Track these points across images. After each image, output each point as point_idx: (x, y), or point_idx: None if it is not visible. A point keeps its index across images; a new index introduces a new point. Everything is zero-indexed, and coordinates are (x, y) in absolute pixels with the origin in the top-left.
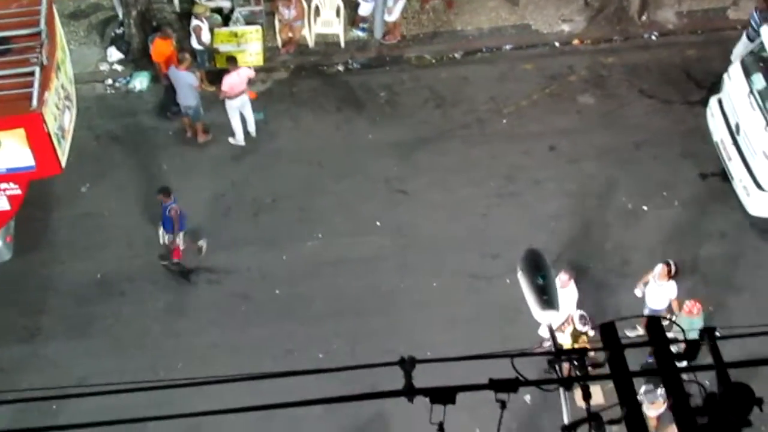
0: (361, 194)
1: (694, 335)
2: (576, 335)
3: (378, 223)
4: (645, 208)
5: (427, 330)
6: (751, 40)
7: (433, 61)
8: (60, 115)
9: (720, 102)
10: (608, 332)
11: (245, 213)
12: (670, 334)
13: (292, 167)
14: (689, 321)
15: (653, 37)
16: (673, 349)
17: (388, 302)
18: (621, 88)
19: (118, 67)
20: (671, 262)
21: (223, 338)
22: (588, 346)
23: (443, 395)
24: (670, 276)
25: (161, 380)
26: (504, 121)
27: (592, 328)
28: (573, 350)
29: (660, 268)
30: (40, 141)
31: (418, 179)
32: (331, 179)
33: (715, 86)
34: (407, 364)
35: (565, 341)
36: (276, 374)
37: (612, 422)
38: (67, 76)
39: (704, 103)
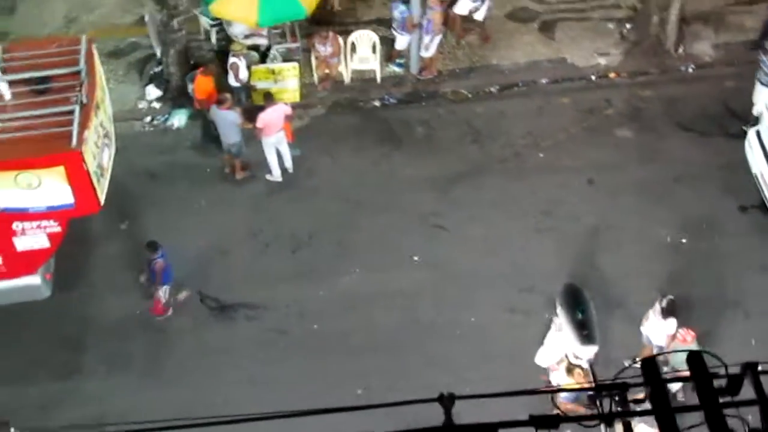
0: (399, 229)
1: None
2: (570, 369)
3: (415, 258)
4: (684, 241)
5: (466, 365)
6: (764, 85)
7: (470, 95)
8: (99, 154)
9: (758, 134)
10: (649, 367)
11: (283, 249)
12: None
13: (330, 203)
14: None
15: (690, 70)
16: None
17: (425, 337)
18: (658, 122)
19: (157, 105)
20: (671, 298)
21: (262, 374)
22: (584, 379)
23: None
24: (668, 313)
25: (201, 417)
26: (541, 155)
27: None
28: (614, 385)
29: (663, 301)
30: (79, 179)
31: (456, 214)
32: (368, 215)
33: (754, 118)
34: (446, 401)
35: (561, 377)
36: (316, 411)
37: None
38: (107, 115)
39: (743, 135)
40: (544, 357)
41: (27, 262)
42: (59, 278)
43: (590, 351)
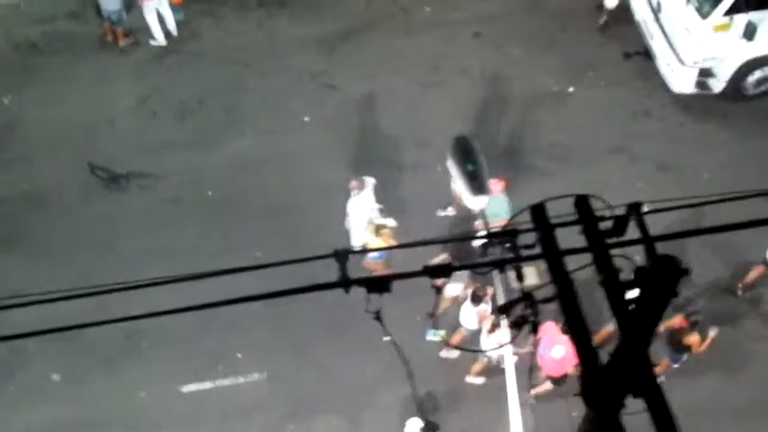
0: (288, 91)
1: (502, 215)
2: (376, 229)
3: (306, 119)
4: (571, 89)
5: None
6: None
7: None
8: None
9: None
10: (539, 213)
11: (172, 116)
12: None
13: (216, 67)
14: (496, 201)
15: None
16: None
17: (321, 197)
18: None
19: None
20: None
21: (157, 243)
22: (391, 239)
23: (378, 284)
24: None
25: (95, 286)
26: (428, 9)
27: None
28: (504, 232)
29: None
30: None
31: (344, 72)
32: (256, 77)
33: None
34: (341, 256)
35: (369, 238)
36: (213, 273)
37: (545, 301)
38: None
39: None
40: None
41: None
42: None
43: (481, 201)
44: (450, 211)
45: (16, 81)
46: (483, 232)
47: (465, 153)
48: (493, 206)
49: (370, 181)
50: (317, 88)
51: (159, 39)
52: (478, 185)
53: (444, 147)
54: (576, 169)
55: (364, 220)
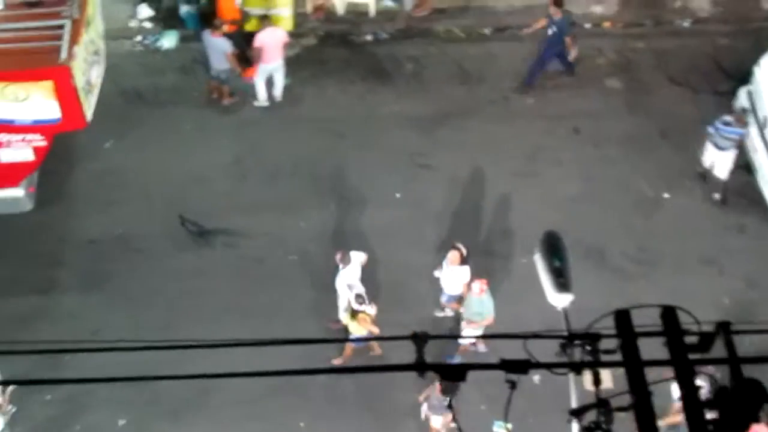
0: (382, 166)
1: (487, 314)
2: (353, 314)
3: (397, 196)
4: (666, 195)
5: (438, 302)
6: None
7: (462, 35)
8: (88, 70)
9: (749, 93)
10: (622, 319)
11: (264, 177)
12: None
13: (314, 135)
14: (479, 302)
15: (685, 24)
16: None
17: (403, 275)
18: (649, 74)
19: (148, 25)
20: (461, 247)
21: (236, 301)
22: (372, 325)
23: (454, 372)
24: (462, 261)
25: (173, 340)
26: (530, 100)
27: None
28: (585, 335)
29: (451, 253)
30: (67, 94)
31: (440, 154)
32: (352, 149)
33: (745, 77)
34: (420, 340)
35: (347, 322)
36: (288, 341)
37: (620, 409)
38: (97, 31)
39: (733, 93)
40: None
41: (10, 175)
42: (41, 193)
43: (565, 299)
44: (448, 312)
45: (119, 128)
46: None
47: (553, 249)
48: (476, 306)
49: (358, 257)
50: (412, 166)
51: (262, 101)
52: (563, 282)
53: (531, 239)
54: (663, 277)
55: (345, 297)
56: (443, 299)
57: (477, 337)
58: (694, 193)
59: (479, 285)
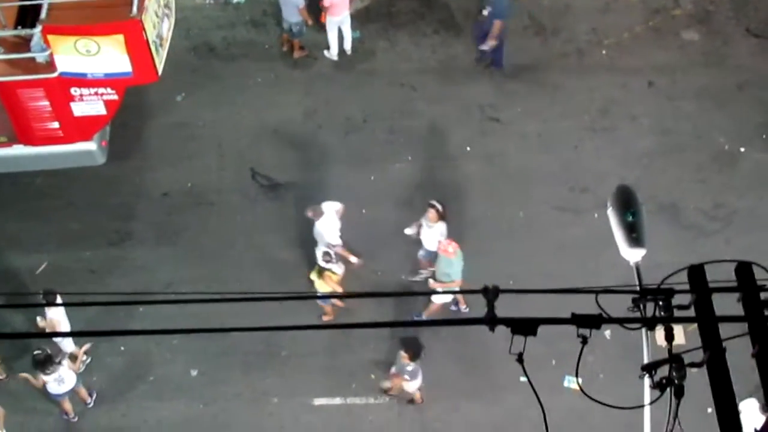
0: (453, 119)
1: (455, 276)
2: (319, 271)
3: (468, 149)
4: (742, 149)
5: (511, 260)
6: None
7: None
8: (159, 24)
9: None
10: (697, 275)
11: (336, 131)
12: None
13: (386, 88)
14: (447, 261)
15: None
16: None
17: (472, 230)
18: (727, 26)
19: None
20: (436, 204)
21: (307, 254)
22: (338, 284)
23: (525, 327)
24: (439, 218)
25: (244, 293)
26: (604, 52)
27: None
28: (659, 290)
29: (429, 211)
30: (138, 48)
31: (512, 108)
32: (423, 102)
33: None
34: (490, 293)
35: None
36: (358, 294)
37: (693, 365)
38: None
39: None
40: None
41: (84, 128)
42: (114, 147)
43: (638, 254)
44: (423, 274)
45: (190, 81)
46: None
47: (626, 203)
48: (445, 266)
49: (332, 207)
50: (483, 120)
51: (333, 53)
52: (636, 237)
53: (604, 194)
54: (738, 233)
55: (320, 250)
56: (420, 254)
57: (545, 291)
58: None
59: (449, 245)
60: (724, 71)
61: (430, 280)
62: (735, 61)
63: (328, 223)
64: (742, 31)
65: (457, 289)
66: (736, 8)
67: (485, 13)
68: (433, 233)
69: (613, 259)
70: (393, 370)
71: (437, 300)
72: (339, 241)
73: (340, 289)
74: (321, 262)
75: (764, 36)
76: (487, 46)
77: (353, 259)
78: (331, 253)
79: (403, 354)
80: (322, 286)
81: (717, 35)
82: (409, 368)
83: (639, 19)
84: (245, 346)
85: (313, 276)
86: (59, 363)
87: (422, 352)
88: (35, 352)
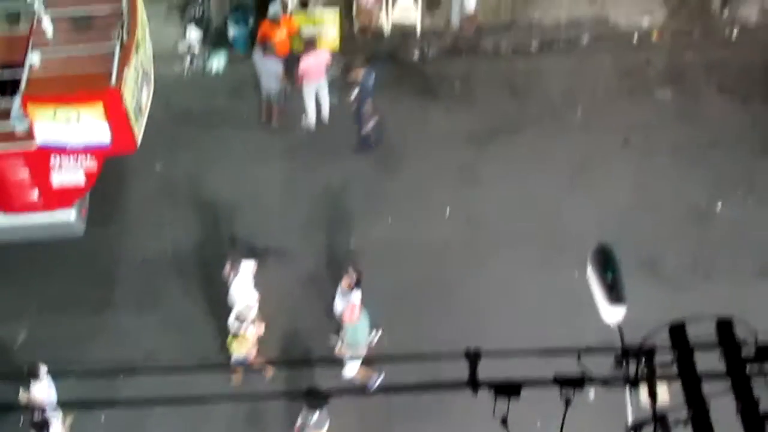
0: (433, 181)
1: (360, 340)
2: (234, 334)
3: (447, 211)
4: (719, 205)
5: (492, 321)
6: None
7: (510, 51)
8: (138, 93)
9: None
10: (677, 332)
11: (315, 196)
12: None
13: (364, 153)
14: (352, 329)
15: (734, 34)
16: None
17: (453, 290)
18: (699, 84)
19: (196, 47)
20: (351, 271)
21: (289, 321)
22: (253, 346)
23: (509, 389)
24: (352, 285)
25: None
26: (579, 113)
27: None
28: (641, 349)
29: (343, 278)
30: (117, 117)
31: (490, 169)
32: (402, 165)
33: None
34: (473, 356)
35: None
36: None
37: (678, 423)
38: (147, 55)
39: None
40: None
41: (62, 198)
42: (93, 215)
43: (619, 312)
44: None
45: (169, 149)
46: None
47: (605, 262)
48: (350, 335)
49: (248, 266)
50: (462, 181)
51: (311, 119)
52: (616, 295)
53: (583, 252)
54: (717, 288)
55: (235, 309)
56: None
57: (526, 352)
58: (746, 203)
59: (350, 312)
60: (698, 128)
61: (340, 347)
62: (708, 118)
63: (242, 283)
64: (713, 89)
65: (363, 356)
66: (708, 67)
67: (353, 97)
68: (344, 302)
69: (595, 318)
70: (298, 423)
71: (351, 371)
72: (253, 300)
73: (254, 351)
74: (233, 325)
75: (735, 94)
76: (368, 128)
77: (261, 329)
78: (244, 313)
79: (344, 280)
80: (237, 348)
81: (690, 93)
82: (313, 419)
83: (612, 80)
84: (227, 415)
85: (229, 340)
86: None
87: (325, 401)
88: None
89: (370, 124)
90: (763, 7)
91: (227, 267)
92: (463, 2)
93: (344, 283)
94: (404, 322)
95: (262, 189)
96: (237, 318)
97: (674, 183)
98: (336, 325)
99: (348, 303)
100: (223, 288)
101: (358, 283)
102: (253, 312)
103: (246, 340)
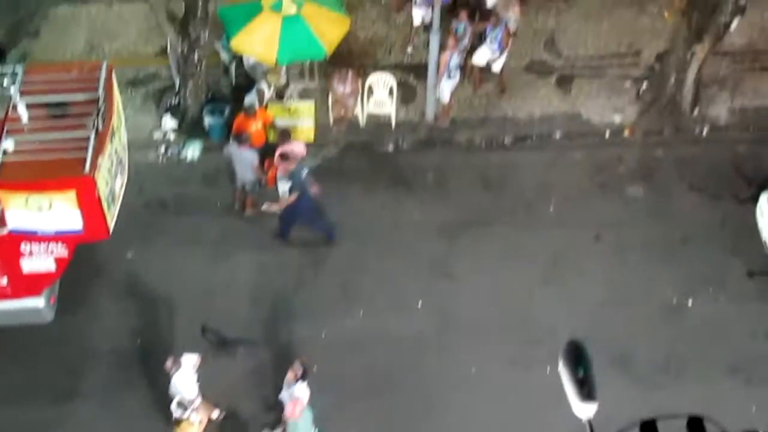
0: (405, 274)
1: None
2: (177, 422)
3: (419, 304)
4: (690, 302)
5: (464, 415)
6: None
7: (483, 145)
8: (111, 180)
9: None
10: (649, 430)
11: (288, 287)
12: None
13: (336, 243)
14: (294, 424)
15: (704, 132)
16: None
17: (425, 384)
18: (670, 181)
19: (172, 136)
20: (297, 366)
21: (258, 414)
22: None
23: None
24: (296, 378)
25: None
26: (551, 208)
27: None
28: None
29: (289, 371)
30: (90, 205)
31: (463, 262)
32: (375, 257)
33: (766, 184)
34: None
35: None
36: None
37: None
38: (121, 142)
39: (754, 200)
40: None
41: (32, 285)
42: (62, 302)
43: (590, 409)
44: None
45: (141, 237)
46: None
47: (576, 358)
48: (293, 428)
49: (190, 360)
50: (434, 274)
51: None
52: (587, 392)
53: (555, 347)
54: (689, 385)
55: (177, 398)
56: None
57: None
58: (717, 300)
59: (292, 408)
60: (669, 225)
61: None
62: (678, 215)
63: (184, 377)
64: (684, 186)
65: None
66: (678, 165)
67: (285, 190)
68: (288, 395)
69: (567, 414)
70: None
71: None
72: (195, 394)
73: None
74: (176, 413)
75: (706, 191)
76: (276, 208)
77: (214, 414)
78: (185, 403)
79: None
80: None
81: (661, 191)
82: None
83: (585, 175)
84: None
85: (175, 427)
86: None
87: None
88: None
89: (274, 207)
90: (732, 106)
91: (169, 361)
92: (439, 93)
93: (290, 375)
94: (374, 416)
95: (234, 278)
96: (179, 405)
97: (646, 279)
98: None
99: (291, 397)
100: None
101: (303, 377)
102: (197, 401)
103: (192, 425)
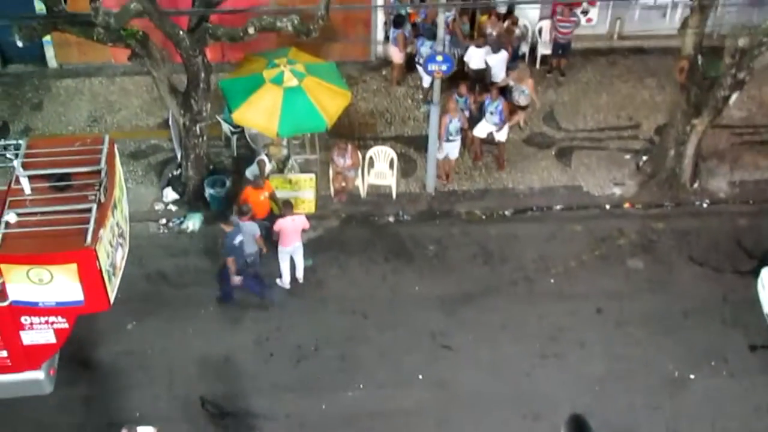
0: (405, 347)
1: None
2: None
3: (420, 377)
4: (692, 376)
5: None
6: None
7: (483, 217)
8: (113, 252)
9: None
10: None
11: (287, 359)
12: None
13: (337, 316)
14: None
15: (704, 205)
16: None
17: None
18: (670, 254)
19: (173, 208)
20: None
21: None
22: None
23: None
24: None
25: None
26: (552, 281)
27: None
28: None
29: None
30: (91, 277)
31: (463, 334)
32: (375, 330)
33: (767, 257)
34: None
35: None
36: None
37: None
38: (123, 214)
39: (755, 273)
40: None
41: (32, 357)
42: (61, 375)
43: None
44: None
45: (141, 309)
46: None
47: (579, 431)
48: None
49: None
50: (434, 347)
51: (285, 281)
52: None
53: (557, 421)
54: None
55: None
56: None
57: None
58: (719, 374)
59: None
60: (670, 298)
61: None
62: (679, 288)
63: None
64: (684, 259)
65: None
66: (678, 237)
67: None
68: None
69: None
70: None
71: None
72: None
73: None
74: None
75: (706, 264)
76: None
77: None
78: None
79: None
80: None
81: (661, 263)
82: None
83: (585, 248)
84: None
85: None
86: None
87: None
88: None
89: (234, 283)
90: (732, 179)
91: (124, 430)
92: (441, 155)
93: None
94: None
95: (234, 350)
96: None
97: (647, 352)
98: None
99: None
100: None
101: None
102: None
103: None
